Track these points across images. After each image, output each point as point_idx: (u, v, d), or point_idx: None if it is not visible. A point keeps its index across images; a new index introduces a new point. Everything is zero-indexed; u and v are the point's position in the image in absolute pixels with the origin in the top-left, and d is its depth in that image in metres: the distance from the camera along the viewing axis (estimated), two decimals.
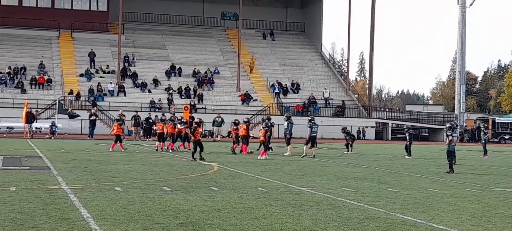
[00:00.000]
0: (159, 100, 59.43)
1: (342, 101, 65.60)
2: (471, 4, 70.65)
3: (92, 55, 65.17)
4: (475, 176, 21.09)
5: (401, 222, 10.78)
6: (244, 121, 31.86)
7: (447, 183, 18.18)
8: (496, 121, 74.19)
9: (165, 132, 32.40)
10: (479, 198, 14.61)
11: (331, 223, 10.48)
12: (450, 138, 21.85)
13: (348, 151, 34.49)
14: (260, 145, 29.43)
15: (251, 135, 32.13)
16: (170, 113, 49.78)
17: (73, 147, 32.56)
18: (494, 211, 12.38)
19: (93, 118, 46.82)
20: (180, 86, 62.98)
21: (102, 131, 52.95)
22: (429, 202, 13.58)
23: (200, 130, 26.36)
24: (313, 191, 14.99)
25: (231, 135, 35.30)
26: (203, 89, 64.19)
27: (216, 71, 67.87)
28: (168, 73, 65.83)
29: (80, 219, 10.19)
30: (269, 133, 29.46)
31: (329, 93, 66.82)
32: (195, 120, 29.50)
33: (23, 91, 58.45)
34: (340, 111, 64.34)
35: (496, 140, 69.37)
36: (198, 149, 24.96)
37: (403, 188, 16.27)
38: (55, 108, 49.37)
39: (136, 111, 49.76)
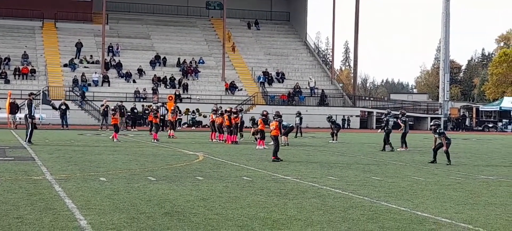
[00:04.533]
0: (144, 90, 59.29)
1: (322, 90, 65.63)
2: None
3: (79, 46, 64.85)
4: (459, 164, 21.21)
5: (386, 210, 10.83)
6: (262, 115, 29.98)
7: (431, 171, 18.28)
8: (480, 109, 74.67)
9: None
10: (463, 185, 14.71)
11: (316, 211, 10.51)
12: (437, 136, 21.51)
13: (333, 140, 34.58)
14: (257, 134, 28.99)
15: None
16: (153, 103, 49.80)
17: (57, 138, 32.41)
18: (478, 199, 12.47)
19: (63, 107, 46.81)
20: (165, 76, 62.84)
21: (87, 122, 52.93)
22: (413, 190, 13.65)
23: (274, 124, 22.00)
24: (298, 180, 15.03)
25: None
26: (188, 79, 64.08)
27: (201, 61, 67.73)
28: (152, 63, 65.63)
29: (64, 210, 10.15)
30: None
31: (315, 82, 66.91)
32: (263, 113, 26.07)
33: (7, 82, 58.10)
34: (323, 100, 64.50)
35: (480, 128, 69.86)
36: (274, 147, 21.26)
37: (387, 177, 16.34)
38: (39, 99, 49.01)
39: (121, 101, 49.59)
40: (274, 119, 22.61)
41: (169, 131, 36.35)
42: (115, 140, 30.31)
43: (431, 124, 22.60)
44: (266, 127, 27.71)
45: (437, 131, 21.38)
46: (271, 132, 21.95)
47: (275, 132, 21.64)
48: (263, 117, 28.48)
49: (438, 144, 21.22)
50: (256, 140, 29.06)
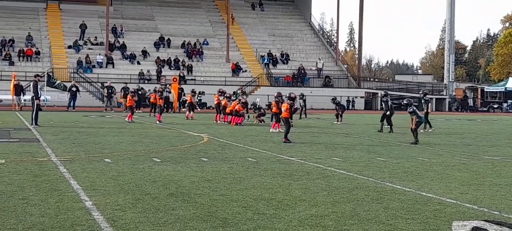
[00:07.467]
0: (148, 71, 59.23)
1: (319, 70, 65.46)
2: None
3: (83, 27, 64.71)
4: (463, 144, 21.19)
5: (390, 190, 10.81)
6: (289, 98, 26.37)
7: (436, 151, 18.26)
8: (485, 90, 74.49)
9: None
10: (467, 166, 14.69)
11: (321, 192, 10.51)
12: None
13: (337, 121, 34.54)
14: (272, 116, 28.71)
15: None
16: (161, 84, 49.72)
17: (62, 119, 32.45)
18: (482, 179, 12.45)
19: (74, 89, 46.66)
20: (169, 58, 62.77)
21: (90, 103, 52.95)
22: (418, 170, 13.63)
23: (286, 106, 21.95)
24: (303, 161, 15.02)
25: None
26: (193, 61, 64.00)
27: (205, 42, 67.62)
28: (157, 45, 65.55)
29: (70, 191, 10.16)
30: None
31: (323, 64, 66.81)
32: (291, 95, 25.47)
33: (11, 63, 58.07)
34: (329, 81, 64.47)
35: (485, 109, 69.74)
36: (285, 129, 21.26)
37: (392, 157, 16.33)
38: (44, 81, 48.95)
39: (125, 83, 49.58)
40: (285, 100, 22.53)
41: (188, 112, 36.51)
42: (129, 121, 30.68)
43: (404, 101, 22.81)
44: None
45: (408, 110, 21.76)
46: (282, 113, 21.96)
47: (286, 113, 21.57)
48: (277, 99, 25.93)
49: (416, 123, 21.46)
50: (261, 122, 29.01)
